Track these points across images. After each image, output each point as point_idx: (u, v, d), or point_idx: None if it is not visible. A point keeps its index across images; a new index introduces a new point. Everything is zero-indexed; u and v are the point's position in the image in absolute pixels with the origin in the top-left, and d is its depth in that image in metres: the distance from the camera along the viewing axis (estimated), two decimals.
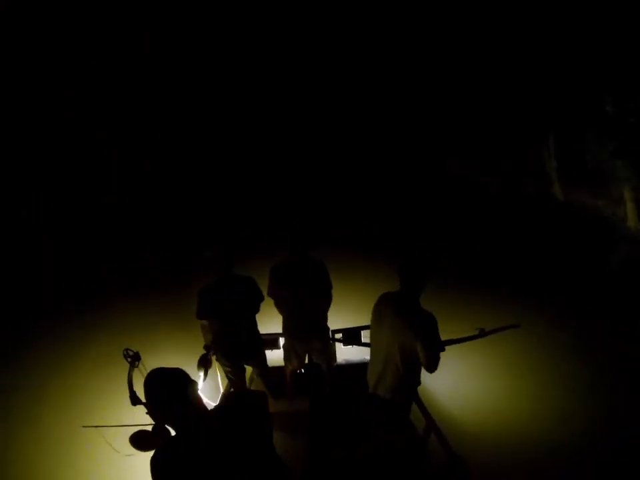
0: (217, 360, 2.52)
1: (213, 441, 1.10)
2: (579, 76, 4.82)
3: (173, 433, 1.27)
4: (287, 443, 2.25)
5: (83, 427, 1.85)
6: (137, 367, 1.89)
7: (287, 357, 2.70)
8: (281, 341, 2.84)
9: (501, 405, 3.13)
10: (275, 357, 2.93)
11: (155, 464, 1.08)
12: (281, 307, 2.54)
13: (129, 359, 1.90)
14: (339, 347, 2.94)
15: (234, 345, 2.44)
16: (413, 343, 1.63)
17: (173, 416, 1.11)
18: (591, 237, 5.16)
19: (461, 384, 3.28)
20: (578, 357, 3.52)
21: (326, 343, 2.69)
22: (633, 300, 4.17)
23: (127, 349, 1.93)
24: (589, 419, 2.87)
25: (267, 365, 2.75)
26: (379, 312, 1.87)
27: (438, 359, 1.65)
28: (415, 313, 1.70)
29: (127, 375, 1.85)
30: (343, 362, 3.12)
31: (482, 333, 2.29)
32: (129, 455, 1.72)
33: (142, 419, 1.52)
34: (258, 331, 2.60)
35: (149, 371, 1.36)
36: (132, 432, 1.64)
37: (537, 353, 3.58)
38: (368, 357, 2.22)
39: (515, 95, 5.78)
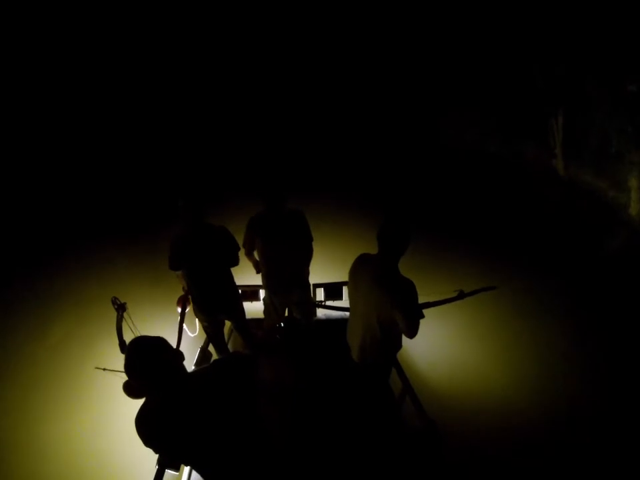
0: (194, 313, 2.46)
1: (195, 408, 1.11)
2: (603, 50, 4.55)
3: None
4: (269, 407, 2.25)
5: (96, 368, 1.87)
6: (124, 312, 1.93)
7: (266, 310, 2.66)
8: (262, 293, 2.78)
9: (478, 370, 3.14)
10: (255, 309, 2.88)
11: (138, 423, 1.10)
12: (251, 256, 2.50)
13: (116, 307, 1.92)
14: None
15: (208, 298, 2.35)
16: (392, 311, 1.62)
17: (155, 385, 1.10)
18: (588, 217, 5.02)
19: (440, 347, 3.28)
20: (557, 323, 3.54)
21: (306, 297, 2.63)
22: (623, 283, 4.09)
23: (115, 297, 1.93)
24: (565, 386, 2.89)
25: (245, 319, 2.65)
26: (355, 274, 1.82)
27: (417, 326, 1.63)
28: (394, 280, 1.66)
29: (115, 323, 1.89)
30: (323, 317, 3.09)
31: (460, 295, 2.28)
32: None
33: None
34: (234, 283, 2.48)
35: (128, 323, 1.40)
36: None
37: (516, 318, 3.60)
38: (348, 313, 2.20)
39: (529, 53, 5.44)
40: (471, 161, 6.54)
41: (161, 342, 1.11)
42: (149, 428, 1.10)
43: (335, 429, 2.15)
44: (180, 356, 1.18)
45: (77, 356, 3.25)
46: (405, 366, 2.35)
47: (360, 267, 1.80)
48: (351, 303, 1.93)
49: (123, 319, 1.88)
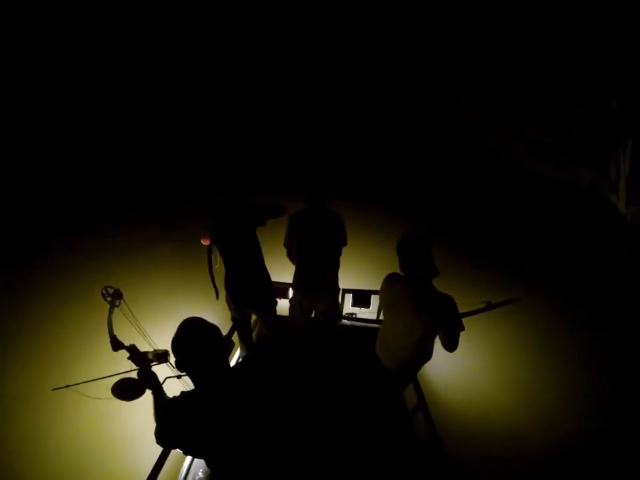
0: (226, 301, 2.43)
1: (226, 402, 1.12)
2: None
3: (159, 378, 1.34)
4: (289, 405, 2.26)
5: (53, 389, 1.62)
6: (118, 305, 1.65)
7: (292, 310, 2.62)
8: (290, 292, 2.75)
9: (493, 389, 3.11)
10: (281, 306, 2.80)
11: (169, 413, 1.12)
12: (292, 258, 2.45)
13: (109, 299, 1.65)
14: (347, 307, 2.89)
15: (240, 291, 2.31)
16: (435, 329, 1.62)
17: (201, 371, 1.10)
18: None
19: (456, 363, 3.22)
20: (574, 345, 3.47)
21: (334, 301, 2.59)
22: None
23: (105, 287, 1.65)
24: (578, 413, 2.85)
25: (275, 316, 2.60)
26: (391, 294, 1.78)
27: (458, 339, 1.63)
28: (435, 299, 1.64)
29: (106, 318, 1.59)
30: (347, 323, 3.06)
31: (488, 306, 2.26)
32: (107, 401, 1.52)
33: (120, 367, 1.45)
34: (268, 279, 2.42)
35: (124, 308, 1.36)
36: (110, 383, 1.48)
37: (535, 338, 3.55)
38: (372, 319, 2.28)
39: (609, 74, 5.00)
40: (521, 181, 6.29)
41: (216, 330, 1.11)
42: (177, 415, 1.11)
43: (347, 433, 2.17)
44: (229, 347, 1.17)
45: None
46: (421, 379, 2.36)
47: (395, 286, 1.76)
48: (386, 320, 1.91)
49: (118, 308, 1.65)
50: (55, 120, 6.91)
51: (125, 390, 1.43)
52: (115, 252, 4.20)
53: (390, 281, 1.80)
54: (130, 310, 1.63)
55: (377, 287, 1.90)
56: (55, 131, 6.75)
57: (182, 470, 2.10)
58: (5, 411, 2.73)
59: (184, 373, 1.16)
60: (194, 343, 1.07)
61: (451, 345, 1.64)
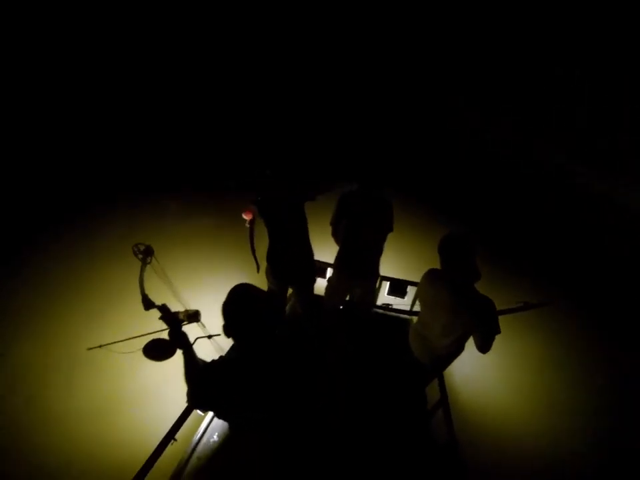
0: (265, 274, 2.42)
1: (266, 372, 1.14)
2: None
3: (189, 338, 1.34)
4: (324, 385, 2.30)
5: (88, 349, 1.66)
6: (149, 263, 1.62)
7: (330, 290, 2.60)
8: (329, 272, 2.75)
9: (515, 397, 3.06)
10: (317, 285, 2.78)
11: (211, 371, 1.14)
12: (337, 237, 2.43)
13: (140, 256, 1.62)
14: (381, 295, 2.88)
15: (283, 265, 2.31)
16: (473, 330, 1.62)
17: (249, 337, 1.12)
18: None
19: (481, 367, 3.17)
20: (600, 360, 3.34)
21: (372, 287, 2.57)
22: None
23: (136, 244, 1.63)
24: (599, 430, 2.76)
25: (312, 294, 2.58)
26: (432, 291, 1.76)
27: (493, 342, 1.63)
28: (475, 302, 1.62)
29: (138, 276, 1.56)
30: (381, 311, 3.08)
31: (526, 306, 2.23)
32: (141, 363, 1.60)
33: (151, 326, 1.44)
34: (312, 256, 2.40)
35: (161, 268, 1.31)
36: (141, 342, 1.50)
37: (559, 348, 3.43)
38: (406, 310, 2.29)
39: None
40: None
41: (268, 297, 1.14)
42: (217, 378, 1.13)
43: (371, 421, 2.18)
44: (279, 317, 1.20)
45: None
46: (445, 375, 2.36)
47: (435, 284, 1.75)
48: (424, 316, 1.89)
49: (148, 266, 1.61)
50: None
51: (156, 350, 1.44)
52: (154, 216, 4.14)
53: (430, 277, 1.78)
54: (162, 268, 1.61)
55: (414, 278, 1.86)
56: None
57: (198, 431, 2.14)
58: (45, 368, 2.76)
59: (218, 334, 1.20)
60: (247, 307, 1.09)
61: (485, 347, 1.64)
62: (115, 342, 1.59)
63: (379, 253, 2.43)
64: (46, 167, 4.85)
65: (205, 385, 1.16)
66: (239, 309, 1.10)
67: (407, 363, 2.02)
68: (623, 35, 4.75)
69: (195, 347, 1.39)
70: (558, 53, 5.47)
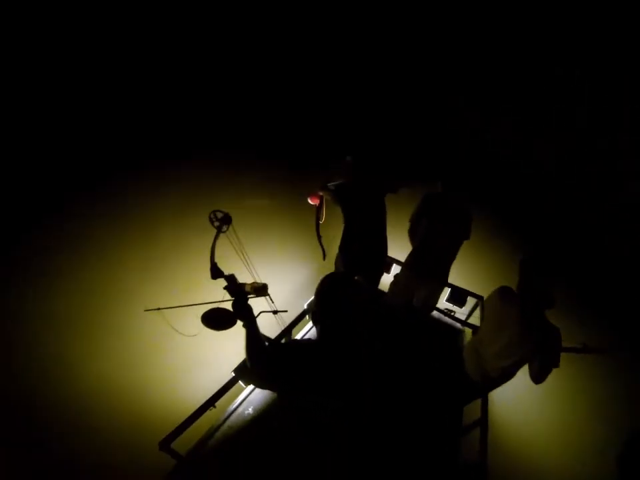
0: (335, 261, 2.38)
1: (338, 360, 1.16)
2: None
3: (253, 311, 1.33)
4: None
5: (145, 310, 1.63)
6: (225, 231, 1.57)
7: (395, 287, 2.56)
8: (394, 268, 2.76)
9: (555, 433, 2.91)
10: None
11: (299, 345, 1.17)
12: (413, 236, 2.41)
13: (216, 223, 1.57)
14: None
15: (356, 253, 2.27)
16: (533, 357, 1.57)
17: (337, 327, 1.14)
18: None
19: (526, 395, 3.00)
20: None
21: (437, 292, 2.53)
22: None
23: (214, 211, 1.57)
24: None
25: (376, 287, 2.59)
26: (502, 307, 1.69)
27: (549, 374, 1.57)
28: (543, 330, 1.55)
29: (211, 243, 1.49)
30: (436, 316, 3.02)
31: (585, 349, 2.21)
32: (193, 335, 1.62)
33: (212, 296, 1.43)
34: (385, 249, 2.39)
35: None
36: (200, 310, 1.46)
37: (613, 396, 3.17)
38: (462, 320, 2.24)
39: None
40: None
41: (364, 290, 1.17)
42: (289, 357, 1.15)
43: (396, 421, 2.14)
44: (370, 308, 1.21)
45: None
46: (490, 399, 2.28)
47: (506, 303, 1.67)
48: (487, 333, 1.83)
49: (222, 235, 1.53)
50: None
51: (215, 319, 1.42)
52: (232, 182, 3.96)
53: (502, 294, 1.71)
54: (237, 238, 1.56)
55: (475, 289, 1.83)
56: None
57: (235, 401, 2.20)
58: (101, 325, 2.80)
59: (284, 310, 1.28)
60: (346, 298, 1.11)
61: (540, 378, 1.57)
62: (173, 307, 1.57)
63: (451, 258, 2.40)
64: (122, 113, 4.40)
65: (272, 362, 1.17)
66: (336, 297, 1.11)
67: (454, 374, 1.97)
68: (623, 35, 4.75)
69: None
70: (558, 53, 5.47)
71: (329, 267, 2.59)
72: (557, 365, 1.55)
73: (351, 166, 2.22)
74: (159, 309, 1.59)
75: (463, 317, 2.92)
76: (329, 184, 2.26)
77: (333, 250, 2.58)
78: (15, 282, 2.63)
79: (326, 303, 1.13)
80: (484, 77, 6.33)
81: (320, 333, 1.20)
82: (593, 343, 2.28)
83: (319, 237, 2.40)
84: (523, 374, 1.73)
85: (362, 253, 2.30)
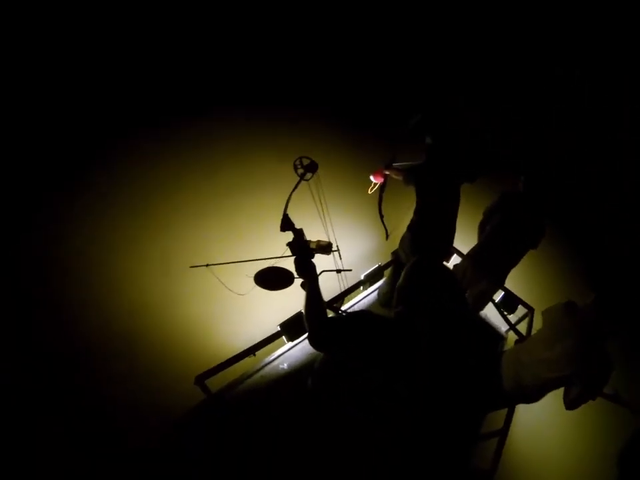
0: (401, 241, 2.34)
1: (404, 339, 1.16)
2: None
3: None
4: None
5: (191, 267, 1.56)
6: (308, 180, 1.46)
7: None
8: (454, 259, 2.73)
9: (568, 464, 2.82)
10: None
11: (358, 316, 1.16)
12: (483, 229, 2.38)
13: (300, 170, 1.47)
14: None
15: (426, 237, 2.25)
16: (575, 381, 1.46)
17: (420, 307, 1.15)
18: None
19: (552, 420, 2.88)
20: None
21: (492, 292, 2.50)
22: None
23: (301, 157, 1.46)
24: None
25: None
26: (565, 321, 1.59)
27: (585, 403, 1.49)
28: (600, 357, 1.44)
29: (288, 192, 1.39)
30: (483, 315, 2.98)
31: (615, 397, 2.07)
32: (242, 295, 1.56)
33: (265, 253, 1.38)
34: (453, 236, 2.38)
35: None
36: (250, 268, 1.40)
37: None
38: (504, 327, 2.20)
39: None
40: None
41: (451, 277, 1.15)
42: (358, 326, 1.15)
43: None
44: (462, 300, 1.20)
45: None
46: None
47: (571, 319, 1.57)
48: (535, 343, 1.73)
49: (305, 182, 1.42)
50: None
51: (271, 279, 1.33)
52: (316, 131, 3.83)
53: (568, 309, 1.60)
54: (319, 189, 1.48)
55: (528, 298, 1.74)
56: None
57: (273, 354, 2.29)
58: (147, 274, 2.84)
59: (348, 269, 1.29)
60: (435, 282, 1.13)
61: (575, 404, 1.49)
62: (222, 263, 1.48)
63: (513, 263, 2.36)
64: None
65: (334, 326, 1.15)
66: (429, 282, 1.13)
67: (488, 376, 1.87)
68: (623, 35, 4.75)
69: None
70: (558, 53, 5.47)
71: (395, 243, 2.57)
72: (594, 398, 1.48)
73: (431, 147, 2.17)
74: (207, 265, 1.49)
75: (507, 325, 2.80)
76: (395, 164, 2.24)
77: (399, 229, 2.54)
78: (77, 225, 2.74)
79: (419, 286, 1.13)
80: (484, 77, 6.32)
81: (400, 312, 1.19)
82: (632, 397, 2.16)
83: (382, 216, 2.38)
84: (554, 398, 1.65)
85: (431, 238, 2.27)
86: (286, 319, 2.22)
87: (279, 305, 2.19)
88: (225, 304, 2.78)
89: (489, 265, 2.33)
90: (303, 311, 1.23)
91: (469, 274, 2.40)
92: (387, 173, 2.31)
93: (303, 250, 1.26)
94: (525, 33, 5.73)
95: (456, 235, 2.47)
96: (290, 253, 1.26)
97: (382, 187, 2.38)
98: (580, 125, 5.35)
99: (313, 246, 1.34)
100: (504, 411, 2.15)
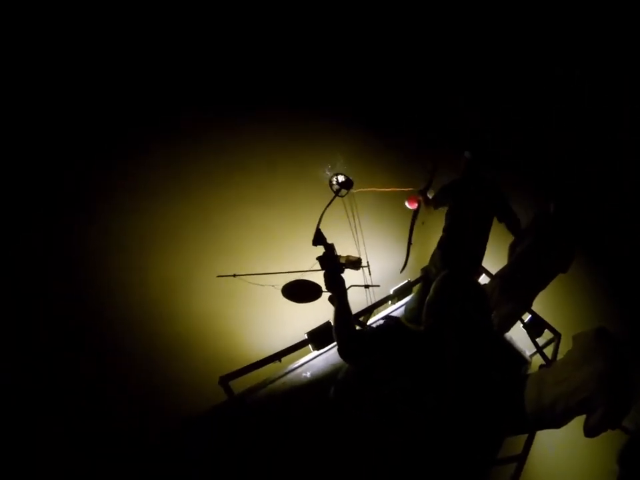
0: (431, 258, 2.33)
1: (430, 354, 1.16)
2: None
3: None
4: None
5: (218, 276, 1.60)
6: (343, 196, 1.53)
7: None
8: (482, 278, 2.70)
9: None
10: None
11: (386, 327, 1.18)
12: (512, 251, 2.34)
13: (335, 186, 1.52)
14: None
15: (457, 256, 2.22)
16: (599, 405, 1.41)
17: (444, 317, 1.15)
18: None
19: (571, 449, 2.80)
20: None
21: (518, 314, 2.46)
22: None
23: (337, 174, 1.52)
24: None
25: None
26: (597, 346, 1.55)
27: (605, 431, 1.45)
28: (627, 381, 1.40)
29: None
30: (508, 337, 2.93)
31: (633, 432, 2.02)
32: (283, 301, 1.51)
33: (294, 267, 1.40)
34: (483, 255, 2.35)
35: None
36: (277, 280, 1.44)
37: None
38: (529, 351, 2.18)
39: None
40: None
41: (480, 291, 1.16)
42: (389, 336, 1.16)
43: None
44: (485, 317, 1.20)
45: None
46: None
47: (603, 345, 1.53)
48: (567, 363, 1.69)
49: (340, 198, 1.47)
50: None
51: (298, 291, 1.37)
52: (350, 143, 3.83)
53: (600, 334, 1.56)
54: (353, 204, 1.57)
55: (556, 322, 1.74)
56: None
57: (297, 362, 2.30)
58: (178, 282, 2.89)
59: (377, 285, 1.30)
60: (465, 296, 1.13)
61: (595, 431, 1.45)
62: (249, 274, 1.53)
63: (542, 286, 2.35)
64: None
65: (363, 338, 1.16)
66: (458, 297, 1.13)
67: (511, 396, 1.85)
68: (623, 35, 4.75)
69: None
70: (558, 53, 5.48)
71: (425, 260, 2.57)
72: (614, 426, 1.45)
73: (469, 163, 2.13)
74: (234, 275, 1.54)
75: (533, 349, 2.78)
76: (428, 190, 2.19)
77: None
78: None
79: (449, 300, 1.13)
80: (484, 77, 6.33)
81: (429, 325, 1.19)
82: None
83: (409, 244, 2.33)
84: (574, 427, 1.61)
85: (460, 258, 2.26)
86: (314, 327, 2.20)
87: (310, 313, 2.14)
88: (250, 310, 2.83)
89: (518, 286, 2.30)
90: (332, 322, 1.23)
91: (496, 294, 2.38)
92: (421, 198, 2.26)
93: (333, 264, 1.28)
94: (525, 33, 5.74)
95: (486, 255, 2.46)
96: (319, 267, 1.28)
97: (415, 213, 2.29)
98: (580, 124, 5.36)
99: (342, 261, 1.37)
100: (523, 437, 2.10)
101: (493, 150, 6.31)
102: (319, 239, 1.37)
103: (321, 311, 1.76)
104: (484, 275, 2.87)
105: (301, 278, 1.41)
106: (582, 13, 5.01)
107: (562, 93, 5.48)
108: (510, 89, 6.07)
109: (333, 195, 1.51)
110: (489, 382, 2.24)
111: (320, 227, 1.40)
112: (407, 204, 2.32)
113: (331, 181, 1.55)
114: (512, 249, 2.40)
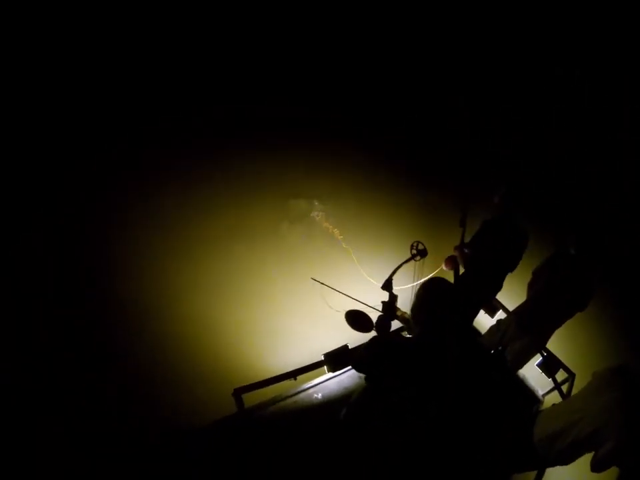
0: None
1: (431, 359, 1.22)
2: None
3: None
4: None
5: (312, 278, 1.91)
6: (416, 261, 1.86)
7: (492, 330, 2.51)
8: (499, 315, 2.70)
9: None
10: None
11: (375, 343, 1.26)
12: (531, 288, 2.35)
13: (414, 251, 1.86)
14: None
15: (474, 287, 2.28)
16: (610, 438, 1.40)
17: (428, 326, 1.23)
18: None
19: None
20: None
21: (531, 351, 2.44)
22: None
23: (417, 242, 1.87)
24: None
25: (471, 324, 2.60)
26: (614, 382, 1.55)
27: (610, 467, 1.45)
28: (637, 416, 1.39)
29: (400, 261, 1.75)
30: (521, 376, 2.87)
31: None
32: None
33: (367, 300, 1.61)
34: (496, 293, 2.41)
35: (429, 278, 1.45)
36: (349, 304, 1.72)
37: None
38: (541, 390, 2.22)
39: None
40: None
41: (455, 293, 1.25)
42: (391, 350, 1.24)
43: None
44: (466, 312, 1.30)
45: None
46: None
47: (619, 383, 1.53)
48: (582, 397, 1.68)
49: (413, 261, 1.79)
50: None
51: (356, 320, 1.68)
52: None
53: (618, 370, 1.57)
54: (421, 270, 1.86)
55: (570, 362, 1.88)
56: None
57: (310, 382, 2.32)
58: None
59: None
60: (445, 305, 1.21)
61: (601, 467, 1.44)
62: (333, 289, 1.84)
63: (558, 324, 2.33)
64: None
65: (376, 355, 1.27)
66: (437, 301, 1.22)
67: (522, 430, 1.84)
68: (623, 35, 4.76)
69: None
70: (558, 53, 5.48)
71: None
72: (622, 462, 1.44)
73: (505, 198, 2.17)
74: (322, 283, 1.90)
75: (545, 389, 2.76)
76: (462, 244, 2.20)
77: None
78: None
79: (428, 305, 1.21)
80: (484, 77, 6.33)
81: (417, 333, 1.28)
82: None
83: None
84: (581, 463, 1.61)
85: (477, 288, 2.30)
86: (331, 349, 2.23)
87: (328, 334, 2.30)
88: (277, 323, 2.94)
89: (533, 324, 2.30)
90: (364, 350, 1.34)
91: (511, 330, 2.38)
92: (458, 255, 2.24)
93: (391, 312, 1.51)
94: (525, 33, 5.74)
95: (502, 291, 2.48)
96: (380, 308, 1.56)
97: (456, 273, 2.22)
98: (580, 124, 5.36)
99: (399, 313, 1.62)
100: (532, 474, 2.03)
101: (493, 150, 6.33)
102: (388, 286, 1.67)
103: (343, 334, 1.95)
104: (500, 310, 2.85)
105: (363, 310, 1.70)
106: (582, 13, 5.01)
107: (562, 93, 5.48)
108: (510, 89, 6.07)
109: (410, 257, 1.84)
110: (488, 385, 2.25)
111: (392, 278, 1.70)
112: (443, 267, 2.35)
113: (412, 245, 1.87)
114: (530, 287, 2.40)
